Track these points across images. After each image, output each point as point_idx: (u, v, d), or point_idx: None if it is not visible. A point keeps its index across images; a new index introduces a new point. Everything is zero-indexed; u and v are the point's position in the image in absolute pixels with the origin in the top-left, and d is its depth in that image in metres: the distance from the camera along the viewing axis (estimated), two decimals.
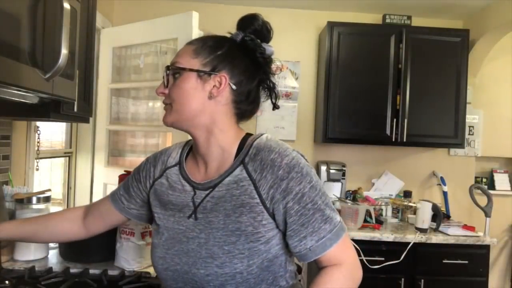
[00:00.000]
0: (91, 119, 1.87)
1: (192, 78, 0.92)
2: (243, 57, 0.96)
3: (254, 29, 0.96)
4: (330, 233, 0.87)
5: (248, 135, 0.98)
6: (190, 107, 0.92)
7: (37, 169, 2.00)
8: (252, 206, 0.88)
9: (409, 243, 2.44)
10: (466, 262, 2.47)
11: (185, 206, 0.96)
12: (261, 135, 0.97)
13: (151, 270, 1.50)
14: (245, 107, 0.97)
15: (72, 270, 1.42)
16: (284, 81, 3.13)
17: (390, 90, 2.84)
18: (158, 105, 2.60)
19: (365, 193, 3.03)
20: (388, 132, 2.84)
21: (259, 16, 0.97)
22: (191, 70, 0.92)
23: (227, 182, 0.92)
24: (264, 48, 0.97)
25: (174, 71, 0.94)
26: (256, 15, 0.97)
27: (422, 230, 2.52)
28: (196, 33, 2.23)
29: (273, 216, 0.89)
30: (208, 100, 0.92)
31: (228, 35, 1.00)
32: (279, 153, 0.90)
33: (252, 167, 0.90)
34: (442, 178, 3.15)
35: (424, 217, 2.54)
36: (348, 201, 2.78)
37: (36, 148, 1.97)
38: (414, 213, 2.72)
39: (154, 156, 1.10)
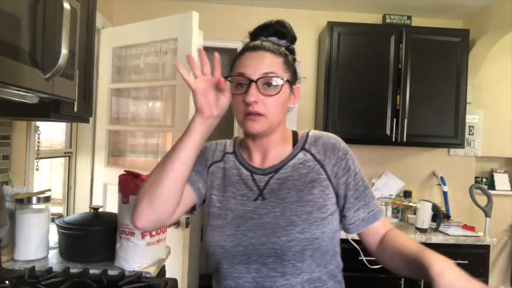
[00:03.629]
0: (91, 119, 1.87)
1: (288, 90, 1.02)
2: None
3: (292, 36, 1.07)
4: (377, 208, 1.04)
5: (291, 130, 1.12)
6: (282, 117, 1.03)
7: (37, 169, 2.00)
8: (321, 181, 1.01)
9: None
10: (466, 262, 2.46)
11: (246, 188, 1.04)
12: (309, 130, 1.11)
13: (151, 270, 1.50)
14: None
15: (72, 270, 1.42)
16: None
17: (390, 90, 2.84)
18: (158, 105, 2.60)
19: None
20: (388, 132, 2.84)
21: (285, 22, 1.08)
22: (288, 82, 1.01)
23: (291, 164, 1.04)
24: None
25: (277, 82, 0.98)
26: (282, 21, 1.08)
27: (422, 230, 2.52)
28: (196, 33, 2.23)
29: (336, 190, 1.02)
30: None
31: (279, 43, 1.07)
32: (336, 139, 1.06)
33: (315, 150, 1.04)
34: (442, 178, 3.15)
35: (424, 217, 2.54)
36: None
37: (36, 148, 1.97)
38: (414, 213, 2.72)
39: (215, 142, 1.14)
